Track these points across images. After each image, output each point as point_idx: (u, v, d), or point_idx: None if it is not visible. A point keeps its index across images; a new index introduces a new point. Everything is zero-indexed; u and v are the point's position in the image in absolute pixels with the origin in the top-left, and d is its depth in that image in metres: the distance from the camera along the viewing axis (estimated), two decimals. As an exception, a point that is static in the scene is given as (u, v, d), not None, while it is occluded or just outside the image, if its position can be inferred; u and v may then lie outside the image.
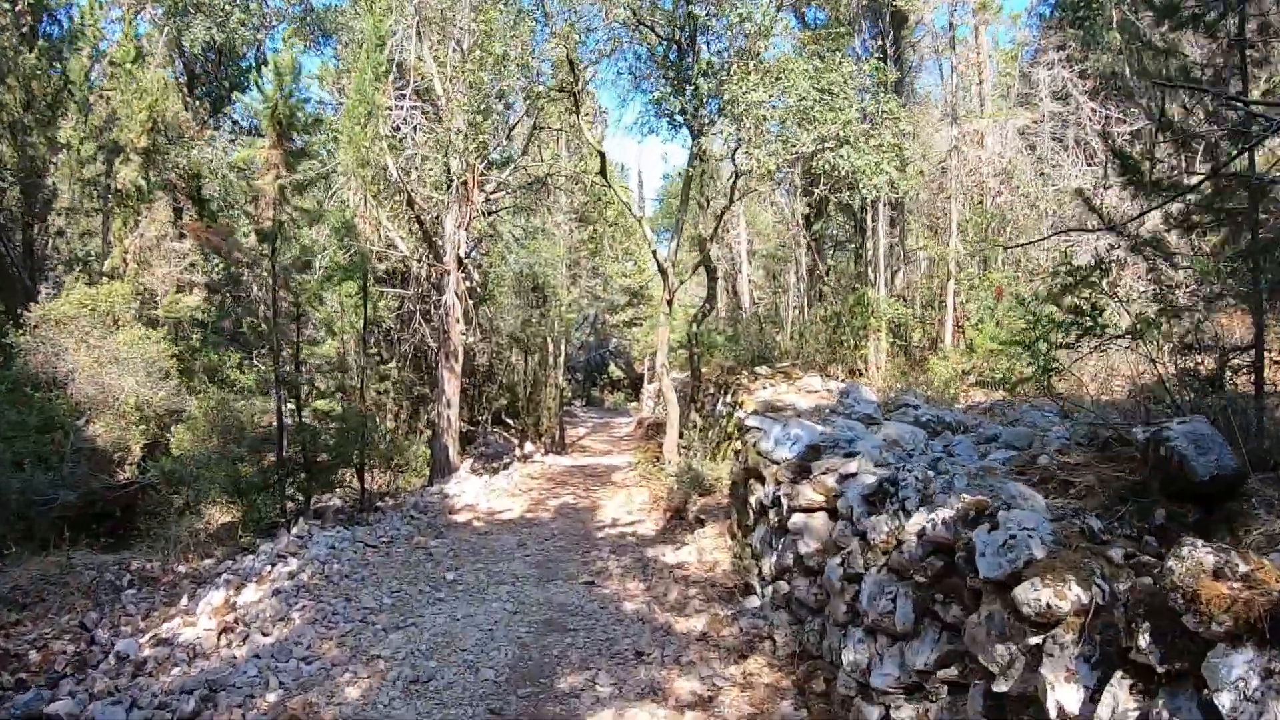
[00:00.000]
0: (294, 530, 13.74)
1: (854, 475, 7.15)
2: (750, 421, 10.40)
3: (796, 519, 7.68)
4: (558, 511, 15.97)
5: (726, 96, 12.05)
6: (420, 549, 12.85)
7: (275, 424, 13.78)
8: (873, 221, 15.77)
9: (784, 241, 22.27)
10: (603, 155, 14.94)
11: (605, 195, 21.49)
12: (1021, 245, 13.36)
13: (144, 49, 21.47)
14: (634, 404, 47.03)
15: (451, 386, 18.81)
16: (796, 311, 21.56)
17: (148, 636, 10.09)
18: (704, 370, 20.30)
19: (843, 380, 14.92)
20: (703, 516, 12.60)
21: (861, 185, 12.88)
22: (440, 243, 18.31)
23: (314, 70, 26.34)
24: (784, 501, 8.04)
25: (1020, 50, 24.13)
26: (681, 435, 15.81)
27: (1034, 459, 6.79)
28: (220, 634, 9.72)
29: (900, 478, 6.17)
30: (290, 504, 14.55)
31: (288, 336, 13.97)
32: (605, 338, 52.17)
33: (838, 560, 6.72)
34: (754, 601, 9.15)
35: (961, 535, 5.10)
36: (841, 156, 12.51)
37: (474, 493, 17.35)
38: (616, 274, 37.82)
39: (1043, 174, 16.79)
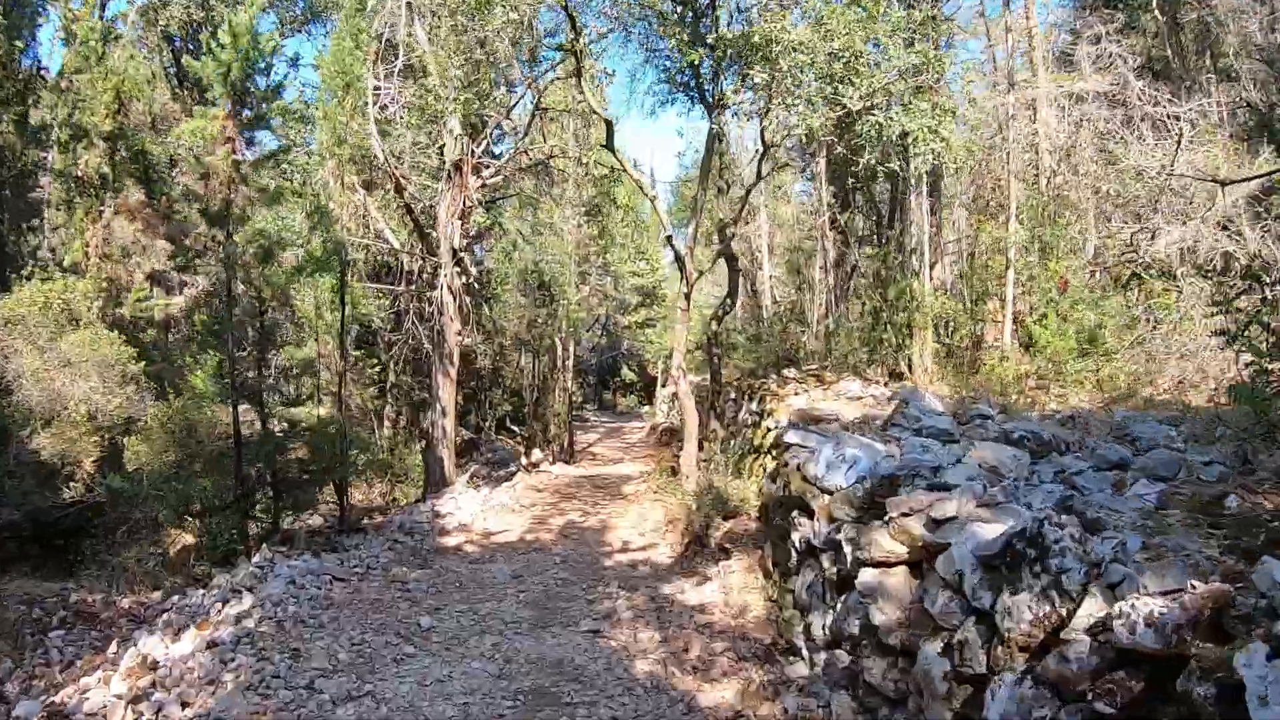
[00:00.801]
0: (255, 559, 11.72)
1: (952, 520, 5.05)
2: (791, 437, 8.28)
3: (867, 576, 5.57)
4: (562, 532, 13.91)
5: (758, 38, 9.94)
6: (397, 584, 10.78)
7: (232, 437, 11.76)
8: (915, 201, 13.64)
9: (809, 233, 20.12)
10: (609, 124, 12.84)
11: (614, 175, 19.37)
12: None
13: (113, 27, 19.51)
14: (647, 408, 44.92)
15: (447, 392, 16.76)
16: (823, 309, 19.44)
17: (45, 701, 8.08)
18: (723, 373, 18.22)
19: (884, 384, 12.80)
20: (728, 545, 10.50)
21: (913, 153, 10.84)
22: (433, 234, 16.29)
23: (310, 59, 24.42)
24: (846, 550, 5.93)
25: (1053, 31, 22.03)
26: (701, 447, 13.71)
27: (1218, 500, 4.67)
28: (130, 703, 7.66)
29: (1046, 534, 4.06)
30: (258, 526, 12.54)
31: (249, 335, 11.96)
32: (618, 340, 50.05)
33: (938, 646, 4.63)
34: (800, 669, 7.03)
35: (1196, 649, 3.01)
36: (891, 118, 10.41)
37: (470, 510, 15.29)
38: (629, 273, 35.71)
39: (1104, 150, 14.65)
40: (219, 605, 10.49)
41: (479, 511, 15.24)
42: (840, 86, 10.06)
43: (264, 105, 11.77)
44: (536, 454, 24.98)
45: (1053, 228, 13.07)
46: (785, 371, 14.31)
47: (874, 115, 10.58)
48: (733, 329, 19.95)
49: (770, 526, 9.21)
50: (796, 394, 12.19)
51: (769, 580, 8.90)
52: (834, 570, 6.26)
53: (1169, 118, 15.07)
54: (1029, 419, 8.66)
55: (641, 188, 13.23)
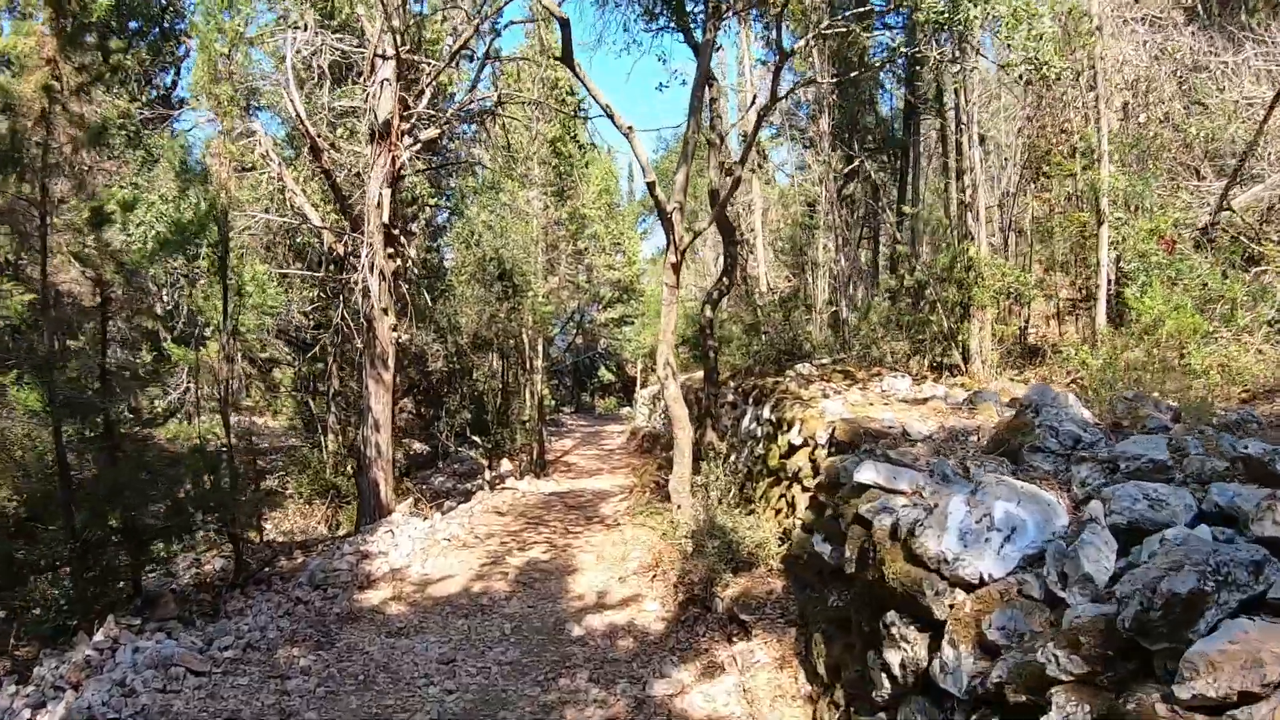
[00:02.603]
0: (96, 635, 8.36)
1: None
2: (865, 474, 4.91)
3: None
4: (520, 579, 10.58)
5: None
6: (275, 679, 7.42)
7: (59, 473, 8.38)
8: (969, 146, 10.39)
9: (811, 205, 16.81)
10: (565, 24, 9.44)
11: (580, 138, 15.99)
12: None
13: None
14: (627, 409, 41.58)
15: (380, 400, 13.38)
16: (829, 293, 16.23)
17: None
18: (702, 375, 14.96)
19: (937, 381, 9.55)
20: (744, 616, 7.21)
21: (1002, 48, 7.66)
22: (360, 207, 12.93)
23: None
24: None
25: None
26: (697, 469, 10.39)
27: None
28: None
29: None
30: (94, 590, 9.12)
31: (81, 334, 8.62)
32: (594, 339, 46.61)
33: None
34: None
35: None
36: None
37: (408, 548, 11.92)
38: (604, 266, 32.29)
39: (1189, 86, 11.51)
40: (27, 714, 7.22)
41: (419, 549, 11.87)
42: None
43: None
44: (506, 464, 21.63)
45: (1141, 177, 9.87)
46: (799, 368, 11.06)
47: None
48: (724, 319, 16.63)
49: (812, 601, 5.91)
50: (826, 396, 8.92)
51: (818, 688, 5.60)
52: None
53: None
54: (1213, 429, 5.40)
55: (611, 116, 9.87)
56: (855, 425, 6.60)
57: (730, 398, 12.82)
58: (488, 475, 19.07)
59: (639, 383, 40.95)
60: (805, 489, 7.44)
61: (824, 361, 12.52)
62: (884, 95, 20.61)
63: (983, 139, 12.55)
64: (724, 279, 11.48)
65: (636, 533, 13.02)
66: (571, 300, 23.43)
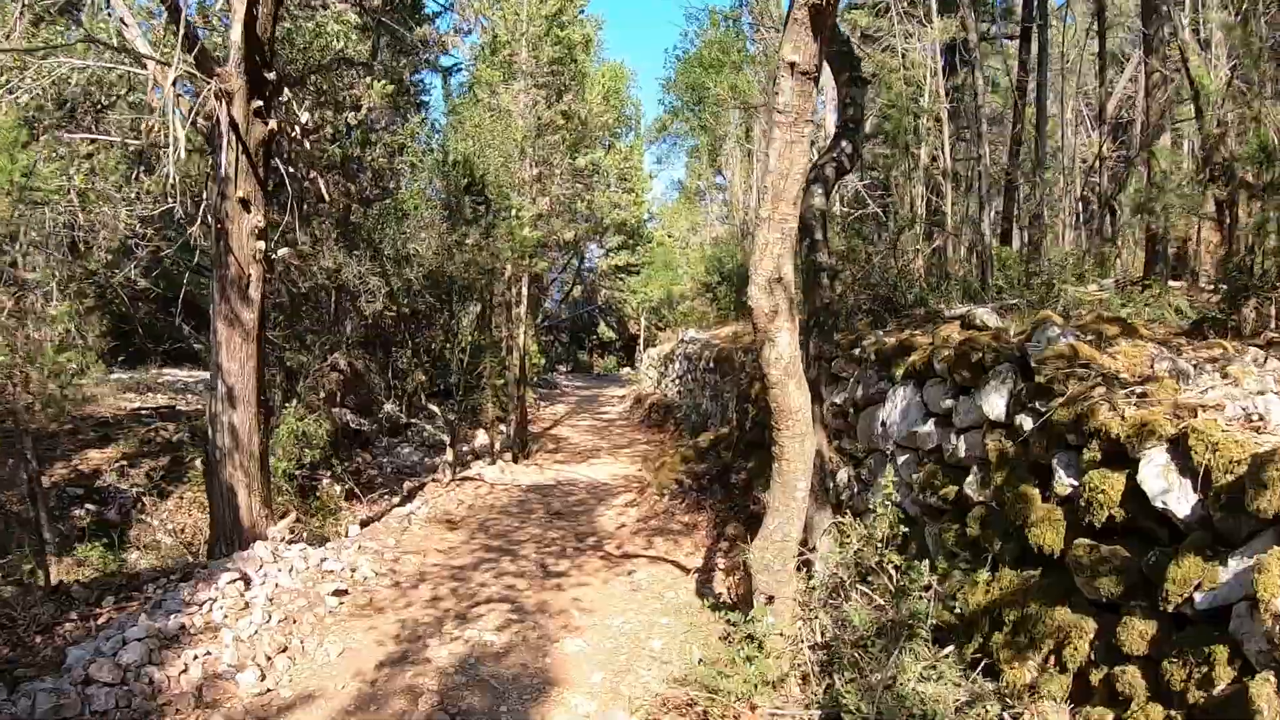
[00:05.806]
0: None
1: None
2: None
3: None
4: (443, 703, 5.29)
5: None
6: None
7: None
8: None
9: (915, 83, 11.32)
10: None
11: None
12: None
13: None
14: (627, 370, 36.29)
15: (236, 357, 7.97)
16: (913, 225, 10.87)
17: None
18: (735, 331, 9.61)
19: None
20: None
21: None
22: (203, 31, 7.45)
23: None
24: None
25: None
26: (806, 541, 4.93)
27: None
28: None
29: None
30: None
31: None
32: (594, 291, 41.14)
33: None
34: None
35: None
36: None
37: (261, 616, 6.57)
38: (607, 202, 26.63)
39: None
40: None
41: (280, 622, 6.54)
42: None
43: None
44: (481, 437, 16.38)
45: None
46: (979, 312, 5.73)
47: None
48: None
49: None
50: (1246, 379, 3.58)
51: None
52: None
53: None
54: None
55: None
56: None
57: (843, 373, 7.24)
58: (449, 457, 13.77)
59: (642, 341, 35.57)
60: None
61: (957, 312, 7.22)
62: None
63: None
64: (842, 143, 5.84)
65: (656, 580, 7.78)
66: (567, 230, 17.80)
